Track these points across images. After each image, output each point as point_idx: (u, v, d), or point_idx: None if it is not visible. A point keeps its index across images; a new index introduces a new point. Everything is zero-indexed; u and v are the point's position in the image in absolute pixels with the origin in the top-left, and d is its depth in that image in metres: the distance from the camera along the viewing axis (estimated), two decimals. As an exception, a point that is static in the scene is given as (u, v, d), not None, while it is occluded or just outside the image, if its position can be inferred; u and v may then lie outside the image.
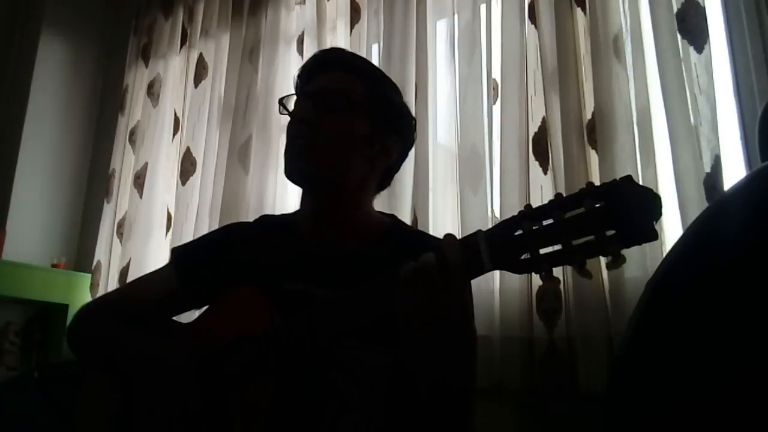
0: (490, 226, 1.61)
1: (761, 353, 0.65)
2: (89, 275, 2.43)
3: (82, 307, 1.17)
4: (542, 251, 0.70)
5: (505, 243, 0.73)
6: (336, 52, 1.20)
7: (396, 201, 1.74)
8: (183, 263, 1.13)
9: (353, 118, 1.05)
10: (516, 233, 0.72)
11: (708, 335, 0.69)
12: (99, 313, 1.13)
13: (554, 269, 0.71)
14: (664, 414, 0.69)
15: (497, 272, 1.55)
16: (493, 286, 1.56)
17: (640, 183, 1.38)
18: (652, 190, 0.66)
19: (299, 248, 1.06)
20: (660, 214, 0.66)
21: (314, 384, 0.95)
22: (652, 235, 0.65)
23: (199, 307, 1.14)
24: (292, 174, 1.05)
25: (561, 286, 1.47)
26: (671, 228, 1.41)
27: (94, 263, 2.43)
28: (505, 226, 0.74)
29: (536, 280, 1.51)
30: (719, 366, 0.67)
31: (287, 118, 1.10)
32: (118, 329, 1.07)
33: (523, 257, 0.72)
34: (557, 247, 0.70)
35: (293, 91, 1.13)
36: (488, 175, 1.66)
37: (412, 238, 1.11)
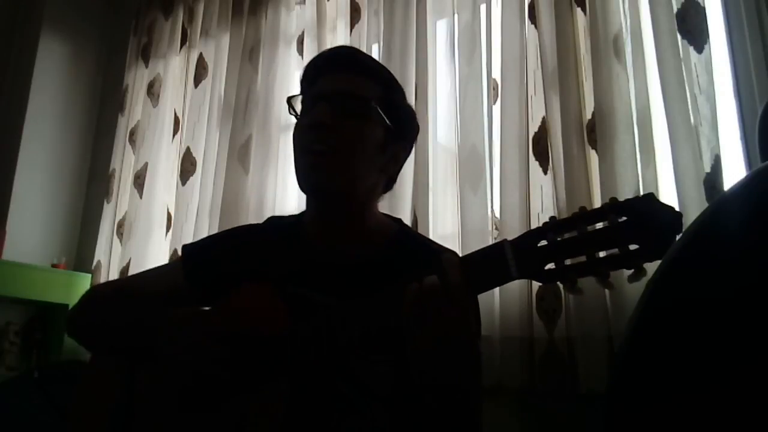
0: (489, 226, 1.65)
1: (760, 352, 0.65)
2: (89, 275, 2.44)
3: (86, 292, 1.15)
4: (567, 262, 0.71)
5: (530, 252, 0.73)
6: (348, 50, 1.14)
7: (396, 201, 1.74)
8: (191, 260, 1.13)
9: (370, 124, 1.00)
10: (540, 244, 0.73)
11: (707, 334, 0.69)
12: (106, 295, 1.13)
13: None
14: (663, 412, 0.69)
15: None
16: (493, 286, 1.56)
17: (640, 183, 1.41)
18: (673, 208, 0.67)
19: (304, 255, 1.04)
20: (681, 230, 0.68)
21: (322, 388, 0.95)
22: None
23: (202, 305, 1.13)
24: (308, 187, 1.00)
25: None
26: (671, 228, 1.41)
27: (94, 263, 2.43)
28: (530, 237, 0.74)
29: (536, 280, 1.51)
30: (718, 364, 0.67)
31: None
32: (131, 306, 1.05)
33: (548, 267, 0.73)
34: (581, 258, 0.71)
35: (297, 90, 1.07)
36: (488, 175, 1.66)
37: (417, 246, 1.08)
